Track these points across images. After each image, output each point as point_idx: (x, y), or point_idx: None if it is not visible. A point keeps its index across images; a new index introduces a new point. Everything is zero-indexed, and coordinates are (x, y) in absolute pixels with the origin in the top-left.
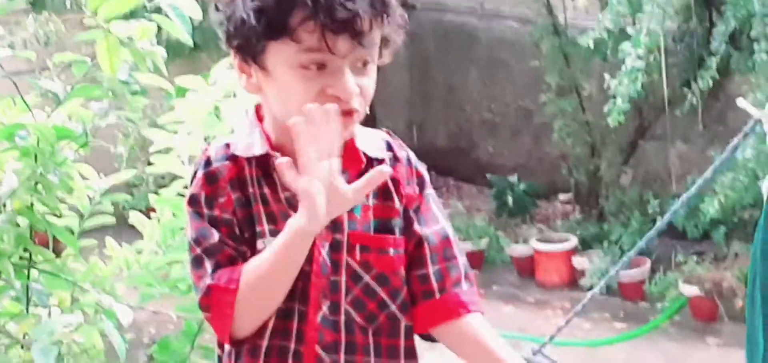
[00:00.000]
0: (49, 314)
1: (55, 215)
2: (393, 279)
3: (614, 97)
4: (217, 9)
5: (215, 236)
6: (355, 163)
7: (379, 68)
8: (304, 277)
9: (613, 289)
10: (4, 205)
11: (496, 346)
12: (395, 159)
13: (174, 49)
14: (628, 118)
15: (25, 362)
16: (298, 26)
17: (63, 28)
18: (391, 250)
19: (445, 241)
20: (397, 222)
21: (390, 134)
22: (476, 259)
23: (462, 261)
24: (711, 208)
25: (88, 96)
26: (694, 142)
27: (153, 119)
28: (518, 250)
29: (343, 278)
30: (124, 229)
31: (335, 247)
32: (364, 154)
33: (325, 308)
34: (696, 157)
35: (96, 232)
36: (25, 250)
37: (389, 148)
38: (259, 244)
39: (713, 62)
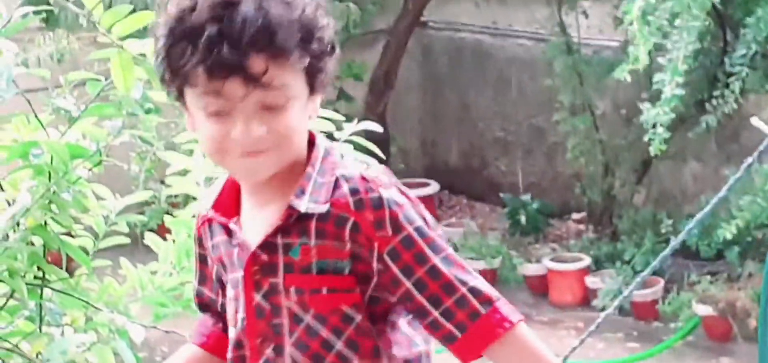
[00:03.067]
0: (63, 333)
1: (69, 234)
2: (331, 318)
3: (653, 125)
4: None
5: (200, 287)
6: (287, 213)
7: (385, 87)
8: (243, 325)
9: (626, 308)
10: (18, 224)
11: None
12: (360, 203)
13: None
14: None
15: None
16: (190, 72)
17: (77, 45)
18: (325, 289)
19: (440, 278)
20: (345, 263)
21: (365, 178)
22: (489, 278)
23: (472, 285)
24: (728, 232)
25: (102, 114)
26: (707, 162)
27: (167, 138)
28: (531, 269)
29: (285, 320)
30: (138, 249)
31: (273, 291)
32: (297, 209)
33: (268, 351)
34: (710, 177)
35: (110, 251)
36: (39, 268)
37: (354, 192)
38: (228, 290)
39: (736, 84)
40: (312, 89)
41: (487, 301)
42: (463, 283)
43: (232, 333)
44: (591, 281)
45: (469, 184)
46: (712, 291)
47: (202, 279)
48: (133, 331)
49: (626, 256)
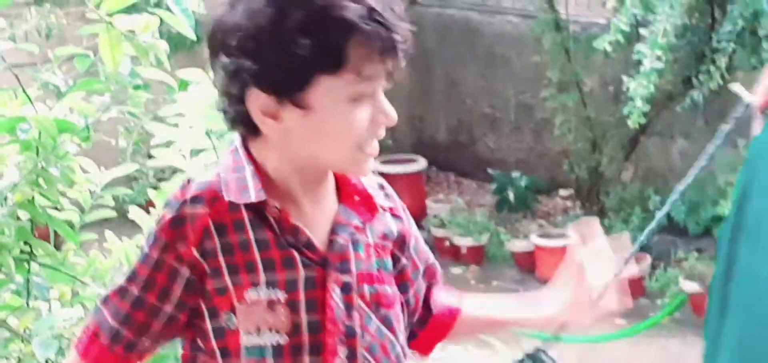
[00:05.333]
0: (50, 308)
1: (56, 209)
2: (395, 317)
3: (632, 98)
4: (226, 52)
5: (141, 295)
6: (370, 207)
7: None
8: (312, 328)
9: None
10: (5, 199)
11: (487, 313)
12: (388, 196)
13: (176, 42)
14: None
15: (26, 356)
16: (354, 54)
17: (65, 21)
18: (388, 288)
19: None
20: (388, 262)
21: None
22: (477, 254)
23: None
24: (725, 209)
25: (90, 90)
26: (695, 139)
27: (155, 113)
28: (519, 245)
29: (357, 322)
30: (124, 223)
31: (346, 290)
32: (378, 206)
33: (342, 355)
34: (697, 154)
35: (96, 225)
36: (26, 243)
37: (381, 186)
38: (251, 293)
39: (722, 60)
40: None
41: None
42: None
43: (271, 339)
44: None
45: (456, 160)
46: (700, 268)
47: (163, 295)
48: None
49: (614, 232)
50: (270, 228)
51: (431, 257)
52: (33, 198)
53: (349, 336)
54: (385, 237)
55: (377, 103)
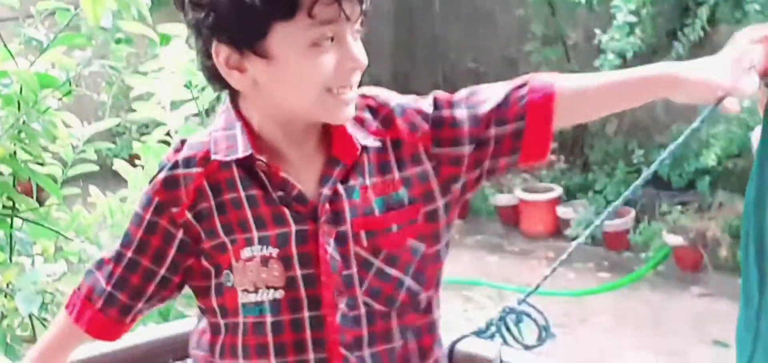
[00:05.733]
0: (33, 263)
1: (39, 163)
2: (402, 254)
3: (604, 51)
4: (189, 6)
5: (135, 257)
6: (350, 150)
7: None
8: (308, 282)
9: (597, 238)
10: None
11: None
12: (386, 120)
13: None
14: (614, 67)
15: (9, 311)
16: (298, 2)
17: None
18: (394, 226)
19: (481, 112)
20: (401, 194)
21: (365, 96)
22: (461, 209)
23: (500, 90)
24: (709, 160)
25: (72, 44)
26: None
27: (137, 68)
28: (503, 199)
29: (355, 270)
30: (108, 178)
31: (341, 240)
32: (357, 141)
33: (342, 306)
34: (681, 107)
35: (79, 180)
36: (9, 198)
37: (373, 112)
38: (245, 251)
39: (703, 13)
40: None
41: (522, 85)
42: (494, 93)
43: (268, 295)
44: (562, 211)
45: None
46: (683, 221)
47: (157, 258)
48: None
49: (598, 186)
50: (260, 185)
51: (490, 103)
52: (15, 152)
53: (348, 286)
54: (384, 170)
55: (344, 48)
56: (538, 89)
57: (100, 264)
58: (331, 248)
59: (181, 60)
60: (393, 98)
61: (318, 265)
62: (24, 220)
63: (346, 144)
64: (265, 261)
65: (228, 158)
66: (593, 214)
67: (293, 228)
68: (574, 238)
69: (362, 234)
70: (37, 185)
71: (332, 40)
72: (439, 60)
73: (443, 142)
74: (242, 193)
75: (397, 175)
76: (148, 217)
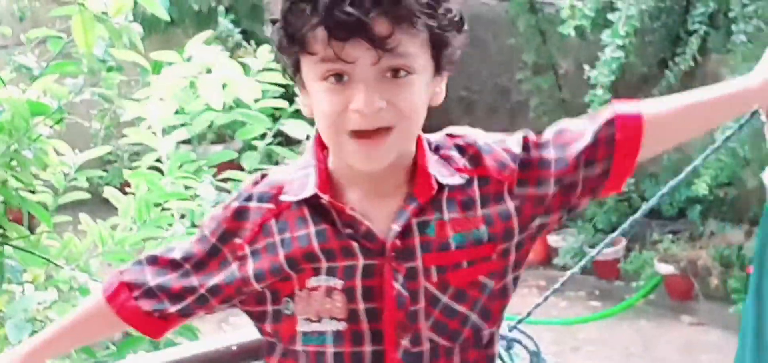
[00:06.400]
0: (24, 291)
1: (30, 191)
2: (470, 291)
3: (594, 85)
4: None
5: (189, 269)
6: (427, 188)
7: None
8: (371, 316)
9: (588, 267)
10: None
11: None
12: (474, 158)
13: (150, 24)
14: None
15: None
16: (309, 35)
17: (38, 3)
18: (465, 263)
19: (569, 149)
20: (482, 231)
21: (452, 135)
22: None
23: (584, 123)
24: (700, 189)
25: (63, 72)
26: None
27: (129, 95)
28: None
29: (422, 305)
30: (99, 206)
31: (411, 276)
32: (436, 179)
33: (405, 342)
34: None
35: (71, 208)
36: (0, 226)
37: (461, 150)
38: (312, 281)
39: (694, 42)
40: (437, 66)
41: (611, 121)
42: (583, 133)
43: (331, 326)
44: (552, 240)
45: None
46: (674, 250)
47: (206, 277)
48: (94, 287)
49: (588, 214)
50: (331, 221)
51: (578, 144)
52: (6, 180)
53: (413, 321)
54: (467, 206)
55: (354, 90)
56: (627, 125)
57: (153, 260)
58: (398, 284)
59: (173, 87)
60: (481, 137)
61: (382, 300)
62: (14, 247)
63: (424, 181)
64: (329, 292)
65: (296, 198)
66: (583, 242)
67: (361, 261)
68: (563, 267)
69: (433, 269)
70: (28, 213)
71: (340, 79)
72: None
73: (529, 182)
74: (312, 229)
75: (479, 212)
76: (213, 240)
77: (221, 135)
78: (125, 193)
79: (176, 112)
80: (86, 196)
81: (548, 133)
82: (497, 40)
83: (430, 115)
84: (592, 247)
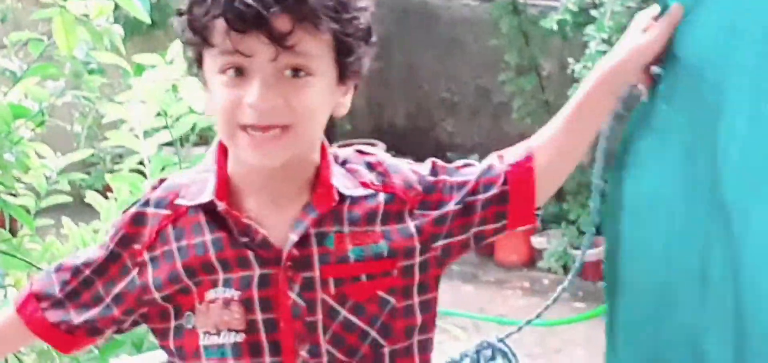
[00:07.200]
0: (6, 294)
1: (12, 194)
2: (369, 306)
3: (577, 80)
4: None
5: (91, 276)
6: (327, 198)
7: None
8: (268, 327)
9: (569, 267)
10: None
11: (562, 122)
12: (381, 175)
13: (132, 26)
14: None
15: None
16: (210, 27)
17: (19, 5)
18: (364, 276)
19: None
20: (381, 246)
21: (363, 152)
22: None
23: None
24: None
25: (45, 75)
26: None
27: (111, 98)
28: None
29: (320, 317)
30: (81, 209)
31: (307, 286)
32: (337, 191)
33: (303, 353)
34: None
35: (53, 211)
36: None
37: (369, 166)
38: (210, 293)
39: None
40: (340, 74)
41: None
42: (484, 162)
43: (230, 338)
44: (537, 241)
45: (415, 145)
46: None
47: (108, 285)
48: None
49: (572, 216)
50: (227, 229)
51: (475, 170)
52: None
53: (311, 332)
54: (369, 220)
55: (249, 85)
56: (519, 163)
57: (59, 268)
58: (294, 294)
59: (156, 90)
60: (388, 156)
61: (279, 311)
62: None
63: (324, 192)
64: (226, 303)
65: (192, 203)
66: (567, 244)
67: (256, 271)
68: (548, 269)
69: (331, 281)
70: (10, 216)
71: (240, 73)
72: (413, 89)
73: (431, 204)
74: (208, 237)
75: (380, 227)
76: (112, 246)
77: (204, 137)
78: (107, 197)
79: (158, 115)
80: (68, 199)
81: (457, 162)
82: (479, 41)
83: (414, 117)
84: (576, 248)
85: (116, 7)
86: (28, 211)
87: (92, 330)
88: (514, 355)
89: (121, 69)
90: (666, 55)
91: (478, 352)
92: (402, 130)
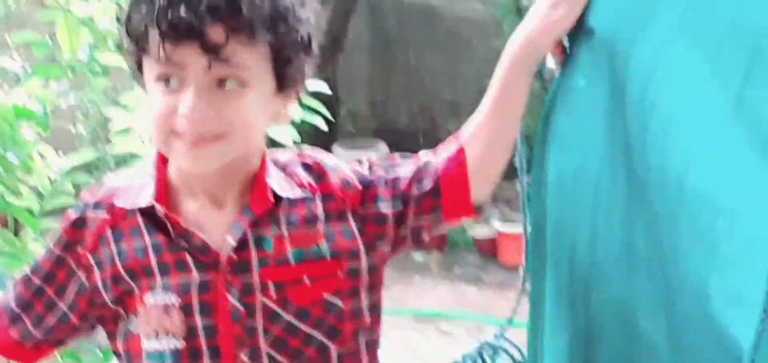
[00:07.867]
0: None
1: (15, 196)
2: (314, 310)
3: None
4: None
5: (42, 285)
6: (262, 201)
7: (334, 50)
8: (208, 332)
9: None
10: None
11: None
12: (319, 176)
13: None
14: None
15: None
16: (144, 34)
17: (23, 6)
18: (306, 279)
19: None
20: (322, 248)
21: (301, 154)
22: (439, 241)
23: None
24: None
25: (48, 76)
26: None
27: (114, 99)
28: (480, 231)
29: (260, 321)
30: None
31: (246, 290)
32: (272, 191)
33: (243, 357)
34: None
35: (56, 213)
36: None
37: (307, 168)
38: (149, 297)
39: None
40: (279, 84)
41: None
42: (418, 158)
43: (169, 344)
44: None
45: (418, 145)
46: None
47: (60, 291)
48: None
49: None
50: (166, 232)
51: (409, 166)
52: None
53: (251, 336)
54: (309, 222)
55: (182, 94)
56: (450, 157)
57: (14, 283)
58: (233, 298)
59: None
60: (328, 158)
61: (218, 316)
62: (0, 252)
63: (260, 194)
64: (167, 309)
65: (130, 207)
66: None
67: (195, 276)
68: None
69: (271, 284)
70: (14, 218)
71: (175, 81)
72: (416, 90)
73: (369, 203)
74: (148, 240)
75: (321, 229)
76: (57, 252)
77: None
78: None
79: None
80: (72, 201)
81: (392, 156)
82: (483, 42)
83: (416, 117)
84: None
85: (119, 8)
86: (31, 213)
87: (55, 341)
88: (517, 348)
89: (125, 70)
90: (580, 29)
91: (480, 352)
92: (404, 130)
